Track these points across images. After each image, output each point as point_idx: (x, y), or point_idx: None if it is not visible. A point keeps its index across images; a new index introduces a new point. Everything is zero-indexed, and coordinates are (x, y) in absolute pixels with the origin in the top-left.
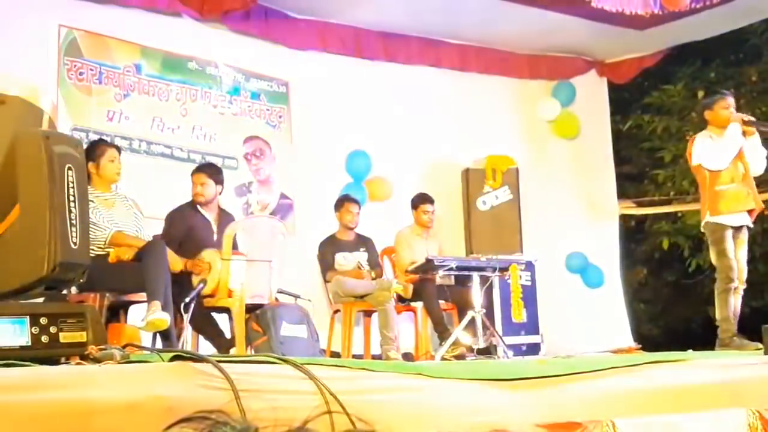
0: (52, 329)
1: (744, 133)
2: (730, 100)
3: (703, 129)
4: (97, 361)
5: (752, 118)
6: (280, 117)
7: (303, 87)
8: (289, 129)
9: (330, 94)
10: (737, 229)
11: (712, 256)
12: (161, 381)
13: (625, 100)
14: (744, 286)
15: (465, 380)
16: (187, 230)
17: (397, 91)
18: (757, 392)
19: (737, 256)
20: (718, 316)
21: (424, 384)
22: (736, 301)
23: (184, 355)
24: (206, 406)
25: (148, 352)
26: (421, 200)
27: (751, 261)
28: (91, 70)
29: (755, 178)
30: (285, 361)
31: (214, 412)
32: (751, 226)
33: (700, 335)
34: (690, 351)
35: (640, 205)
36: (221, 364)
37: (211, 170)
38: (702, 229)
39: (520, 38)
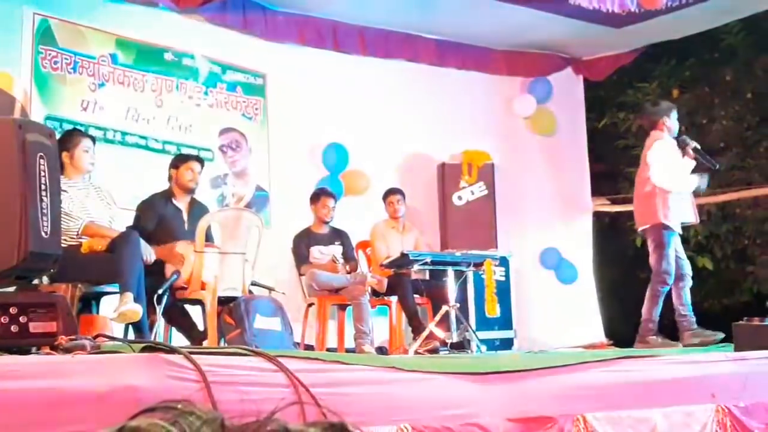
0: (22, 319)
1: (684, 154)
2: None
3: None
4: (67, 351)
5: (698, 147)
6: (256, 109)
7: (280, 79)
8: (265, 121)
9: (307, 87)
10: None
11: (655, 259)
12: (132, 372)
13: (600, 97)
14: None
15: (438, 374)
16: (158, 221)
17: (375, 85)
18: (726, 388)
19: (679, 254)
20: (650, 314)
21: (397, 377)
22: (687, 295)
23: (155, 346)
24: (177, 397)
25: (119, 343)
26: (387, 192)
27: (723, 259)
28: (66, 59)
29: None
30: (257, 353)
31: (180, 401)
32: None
33: (672, 332)
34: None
35: (614, 202)
36: (192, 356)
37: (202, 160)
38: (650, 230)
39: (498, 34)
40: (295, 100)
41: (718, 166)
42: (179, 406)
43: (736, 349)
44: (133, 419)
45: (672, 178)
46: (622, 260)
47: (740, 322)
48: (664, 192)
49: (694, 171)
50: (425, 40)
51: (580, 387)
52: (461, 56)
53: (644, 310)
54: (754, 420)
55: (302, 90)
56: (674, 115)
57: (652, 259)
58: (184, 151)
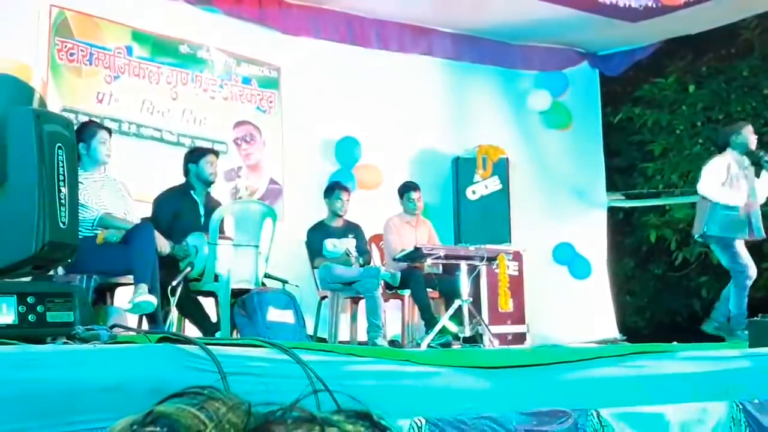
0: (39, 308)
1: (760, 166)
2: (751, 128)
3: (718, 151)
4: (83, 341)
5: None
6: (270, 102)
7: (294, 72)
8: (279, 114)
9: (321, 80)
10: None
11: (727, 259)
12: (148, 362)
13: (616, 92)
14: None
15: (451, 367)
16: (174, 214)
17: (389, 78)
18: (741, 385)
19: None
20: (737, 309)
21: (410, 370)
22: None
23: (172, 337)
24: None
25: (135, 334)
26: (406, 188)
27: None
28: (82, 51)
29: None
30: (272, 345)
31: (206, 387)
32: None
33: (686, 328)
34: (675, 343)
35: (628, 197)
36: (208, 347)
37: (216, 152)
38: (699, 238)
39: (513, 28)
40: (309, 93)
41: None
42: (206, 392)
43: (751, 345)
44: (160, 404)
45: (718, 190)
46: (636, 255)
47: (755, 318)
48: (712, 204)
49: None
50: (440, 34)
51: (594, 382)
52: (476, 50)
53: (734, 305)
54: None
55: (316, 83)
56: (746, 130)
57: (725, 261)
58: (199, 143)
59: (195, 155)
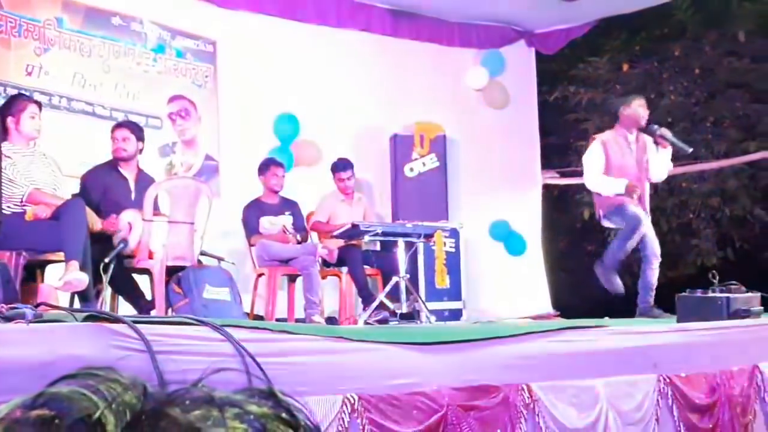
0: None
1: (656, 143)
2: (644, 102)
3: (608, 128)
4: (7, 319)
5: (668, 134)
6: (206, 77)
7: (231, 47)
8: (215, 89)
9: (259, 54)
10: None
11: None
12: (74, 341)
13: (552, 71)
14: (659, 260)
15: (385, 344)
16: (103, 190)
17: (328, 54)
18: (669, 359)
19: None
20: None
21: (344, 347)
22: (652, 275)
23: (99, 315)
24: (122, 367)
25: (63, 312)
26: (335, 168)
27: (668, 233)
28: (11, 22)
29: None
30: (203, 322)
31: (103, 368)
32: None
33: (618, 304)
34: (607, 319)
35: (563, 175)
36: (137, 325)
37: (132, 126)
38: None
39: (451, 6)
40: (246, 68)
41: (691, 150)
42: (101, 372)
43: (679, 320)
44: (52, 385)
45: (601, 182)
46: (570, 233)
47: (683, 293)
48: None
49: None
50: (378, 10)
51: (525, 357)
52: (414, 27)
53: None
54: (695, 390)
55: (254, 58)
56: (636, 103)
57: None
58: (132, 118)
59: (111, 131)
